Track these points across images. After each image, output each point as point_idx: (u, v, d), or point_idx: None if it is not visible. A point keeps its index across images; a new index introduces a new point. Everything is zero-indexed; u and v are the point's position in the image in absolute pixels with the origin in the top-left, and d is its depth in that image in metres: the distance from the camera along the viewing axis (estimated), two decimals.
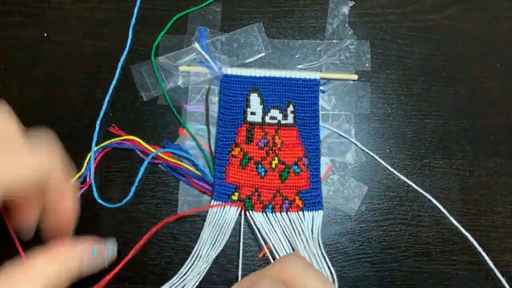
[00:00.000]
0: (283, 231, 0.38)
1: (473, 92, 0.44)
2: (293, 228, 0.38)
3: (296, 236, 0.38)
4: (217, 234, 0.38)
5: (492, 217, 0.41)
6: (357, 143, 0.42)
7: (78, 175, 0.40)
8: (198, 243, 0.38)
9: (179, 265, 0.38)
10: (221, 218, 0.39)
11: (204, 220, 0.39)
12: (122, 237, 0.39)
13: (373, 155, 0.42)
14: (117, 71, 0.43)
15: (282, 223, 0.39)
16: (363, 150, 0.42)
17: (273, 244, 0.38)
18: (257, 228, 0.39)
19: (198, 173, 0.40)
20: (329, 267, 0.37)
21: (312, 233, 0.38)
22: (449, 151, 0.42)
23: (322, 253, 0.37)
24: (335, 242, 0.40)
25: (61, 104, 0.43)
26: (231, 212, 0.39)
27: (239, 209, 0.39)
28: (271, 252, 0.38)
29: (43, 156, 0.29)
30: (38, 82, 0.43)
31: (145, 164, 0.41)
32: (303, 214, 0.39)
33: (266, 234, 0.38)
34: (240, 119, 0.41)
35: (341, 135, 0.42)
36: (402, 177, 0.41)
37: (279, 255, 0.37)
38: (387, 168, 0.42)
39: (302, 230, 0.38)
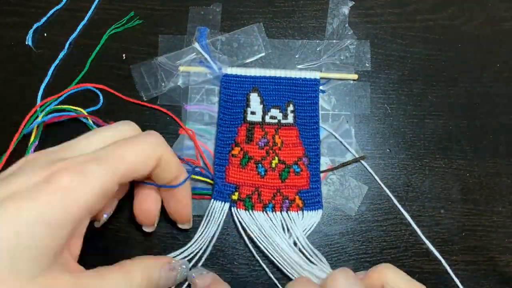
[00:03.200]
0: (283, 229, 0.38)
1: (473, 92, 0.44)
2: (291, 227, 0.38)
3: (295, 234, 0.38)
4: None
5: (492, 217, 0.41)
6: (351, 150, 0.42)
7: None
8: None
9: None
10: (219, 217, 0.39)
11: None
12: (122, 237, 0.39)
13: (365, 165, 0.42)
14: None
15: (282, 222, 0.38)
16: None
17: (271, 243, 0.38)
18: (251, 227, 0.38)
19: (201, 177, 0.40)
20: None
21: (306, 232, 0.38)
22: (449, 151, 0.42)
23: (312, 250, 0.37)
24: (335, 242, 0.40)
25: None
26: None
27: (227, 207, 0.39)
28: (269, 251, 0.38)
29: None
30: None
31: None
32: (303, 213, 0.39)
33: (264, 232, 0.38)
34: (240, 118, 0.41)
35: (340, 142, 0.42)
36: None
37: (278, 253, 0.37)
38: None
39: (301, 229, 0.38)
